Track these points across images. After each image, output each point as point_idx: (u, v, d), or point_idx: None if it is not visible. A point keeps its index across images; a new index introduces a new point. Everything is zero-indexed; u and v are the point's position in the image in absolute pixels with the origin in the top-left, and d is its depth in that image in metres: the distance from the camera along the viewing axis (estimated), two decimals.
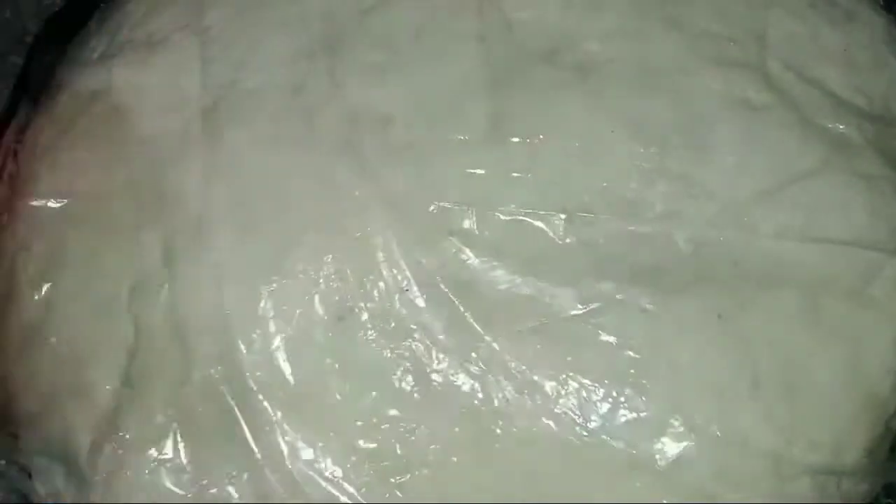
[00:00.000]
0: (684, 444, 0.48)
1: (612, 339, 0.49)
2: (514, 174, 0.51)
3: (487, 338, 0.49)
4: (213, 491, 0.51)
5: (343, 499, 0.49)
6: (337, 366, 0.50)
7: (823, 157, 0.52)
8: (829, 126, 0.53)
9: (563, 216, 0.50)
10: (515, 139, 0.51)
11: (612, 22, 0.54)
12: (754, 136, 0.52)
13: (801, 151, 0.52)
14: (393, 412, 0.49)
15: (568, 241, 0.50)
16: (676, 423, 0.48)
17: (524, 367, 0.49)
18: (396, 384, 0.50)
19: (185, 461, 0.51)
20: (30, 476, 0.56)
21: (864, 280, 0.50)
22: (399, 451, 0.49)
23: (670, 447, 0.48)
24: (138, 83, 0.56)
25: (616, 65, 0.53)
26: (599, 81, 0.52)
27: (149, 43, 0.57)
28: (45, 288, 0.53)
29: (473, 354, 0.49)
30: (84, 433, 0.52)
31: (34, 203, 0.54)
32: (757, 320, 0.49)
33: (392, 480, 0.49)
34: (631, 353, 0.49)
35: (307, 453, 0.50)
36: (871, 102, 0.54)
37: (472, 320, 0.49)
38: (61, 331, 0.53)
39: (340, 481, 0.49)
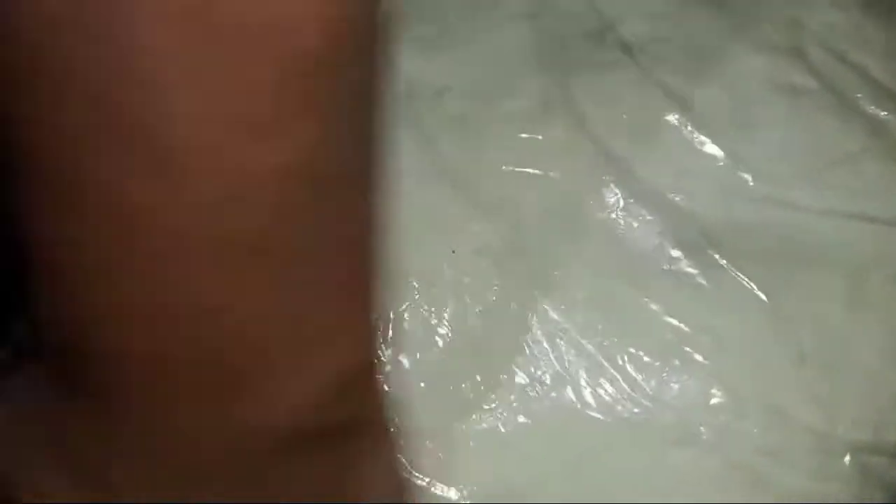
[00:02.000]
0: (730, 418, 0.49)
1: (660, 311, 0.49)
2: (562, 142, 0.52)
3: (537, 305, 0.50)
4: None
5: None
6: (391, 334, 0.50)
7: (864, 142, 0.53)
8: (870, 112, 0.54)
9: (612, 187, 0.50)
10: (564, 110, 0.52)
11: (658, 4, 0.55)
12: (797, 119, 0.53)
13: (843, 135, 0.53)
14: (441, 383, 0.50)
15: (617, 211, 0.51)
16: (722, 398, 0.49)
17: (573, 336, 0.49)
18: (443, 354, 0.50)
19: None
20: None
21: None
22: (445, 421, 0.49)
23: (716, 421, 0.49)
24: None
25: (662, 45, 0.54)
26: (646, 61, 0.54)
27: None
28: None
29: (523, 321, 0.50)
30: None
31: None
32: (801, 298, 0.50)
33: (438, 452, 0.50)
34: (678, 327, 0.49)
35: None
36: None
37: (523, 287, 0.50)
38: None
39: None
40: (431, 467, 0.50)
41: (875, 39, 0.56)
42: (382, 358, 0.50)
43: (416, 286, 0.50)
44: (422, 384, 0.50)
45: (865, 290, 0.50)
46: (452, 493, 0.50)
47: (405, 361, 0.50)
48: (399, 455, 0.44)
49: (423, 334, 0.50)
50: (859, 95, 0.54)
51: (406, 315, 0.50)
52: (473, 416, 0.49)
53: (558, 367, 0.49)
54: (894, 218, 0.51)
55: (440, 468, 0.50)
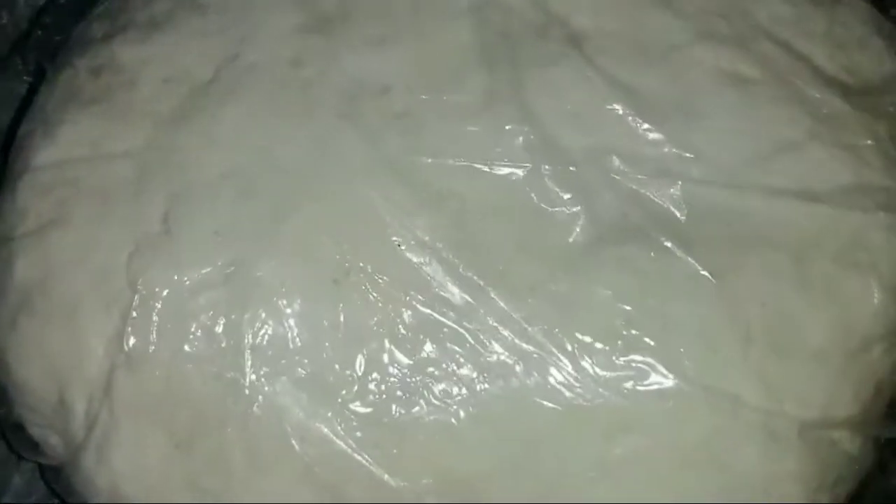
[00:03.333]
0: (678, 401, 0.49)
1: (607, 296, 0.49)
2: (508, 134, 0.52)
3: (483, 296, 0.50)
4: (205, 455, 0.51)
5: (336, 460, 0.50)
6: (332, 327, 0.50)
7: (810, 129, 0.53)
8: (815, 99, 0.54)
9: (557, 174, 0.51)
10: (509, 104, 0.52)
11: None
12: (744, 107, 0.53)
13: (789, 122, 0.53)
14: (388, 373, 0.50)
15: (563, 199, 0.51)
16: (671, 381, 0.49)
17: (520, 325, 0.49)
18: (391, 345, 0.50)
19: (180, 423, 0.51)
20: (23, 442, 0.56)
21: (851, 244, 0.51)
22: (395, 413, 0.49)
23: (664, 404, 0.49)
24: (141, 57, 0.57)
25: (607, 39, 0.55)
26: (591, 53, 0.54)
27: (151, 23, 0.59)
28: (42, 253, 0.54)
29: (469, 313, 0.50)
30: (78, 398, 0.52)
31: (35, 169, 0.55)
32: (749, 280, 0.50)
33: (388, 442, 0.50)
34: (626, 311, 0.49)
35: (301, 414, 0.50)
36: (854, 78, 0.56)
37: (468, 278, 0.50)
38: (57, 295, 0.53)
39: (334, 440, 0.49)
40: (383, 459, 0.49)
41: (819, 29, 0.57)
42: None
43: (363, 278, 0.50)
44: (367, 377, 0.50)
45: (811, 271, 0.50)
46: (403, 485, 0.49)
47: None
48: None
49: (369, 325, 0.50)
50: (804, 84, 0.54)
51: (350, 305, 0.50)
52: (422, 408, 0.49)
53: (506, 357, 0.49)
54: (838, 197, 0.51)
55: (391, 460, 0.50)
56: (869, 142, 0.53)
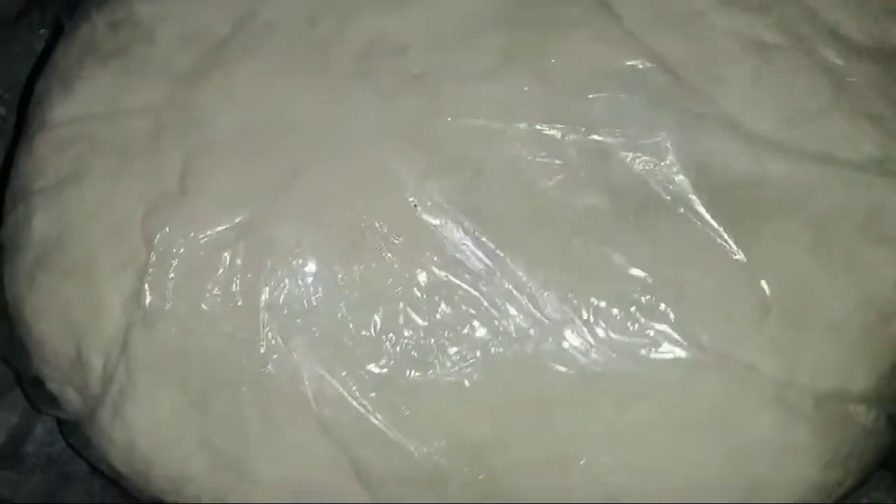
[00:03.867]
0: (691, 369, 0.48)
1: (623, 262, 0.49)
2: (526, 96, 0.51)
3: (499, 260, 0.50)
4: (220, 413, 0.51)
5: (349, 420, 0.50)
6: (347, 287, 0.50)
7: (833, 97, 0.52)
8: (839, 67, 0.53)
9: (575, 138, 0.50)
10: (529, 65, 0.52)
11: None
12: (767, 75, 0.52)
13: (812, 90, 0.52)
14: (403, 335, 0.50)
15: (581, 163, 0.50)
16: (684, 349, 0.48)
17: (535, 291, 0.49)
18: (406, 306, 0.50)
19: (195, 381, 0.51)
20: (42, 396, 0.56)
21: (871, 215, 0.51)
22: (409, 375, 0.50)
23: (677, 372, 0.48)
24: (159, 13, 0.56)
25: (629, 3, 0.54)
26: (613, 18, 0.53)
27: None
28: (60, 209, 0.54)
29: (485, 276, 0.50)
30: (95, 354, 0.53)
31: (53, 124, 0.55)
32: (767, 249, 0.49)
33: (401, 404, 0.50)
34: (641, 278, 0.49)
35: (315, 374, 0.50)
36: (881, 47, 0.54)
37: (483, 242, 0.50)
38: (74, 252, 0.53)
39: (348, 401, 0.50)
40: (396, 420, 0.50)
41: None
42: None
43: (378, 239, 0.50)
44: (382, 338, 0.50)
45: (831, 241, 0.50)
46: (416, 447, 0.50)
47: None
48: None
49: (384, 285, 0.50)
50: (828, 51, 0.53)
51: (366, 266, 0.50)
52: (436, 370, 0.49)
53: (520, 321, 0.49)
54: (861, 162, 0.51)
55: (404, 421, 0.50)
56: (892, 110, 0.52)
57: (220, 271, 0.51)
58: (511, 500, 0.51)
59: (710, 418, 0.49)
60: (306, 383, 0.50)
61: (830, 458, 0.50)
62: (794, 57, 0.53)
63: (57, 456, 0.63)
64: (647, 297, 0.49)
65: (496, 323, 0.49)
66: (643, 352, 0.49)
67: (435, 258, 0.50)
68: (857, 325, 0.50)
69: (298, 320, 0.51)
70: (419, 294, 0.50)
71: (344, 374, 0.50)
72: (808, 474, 0.50)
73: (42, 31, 0.68)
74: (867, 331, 0.50)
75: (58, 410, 0.56)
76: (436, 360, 0.49)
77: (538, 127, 0.51)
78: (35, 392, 0.57)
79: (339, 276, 0.50)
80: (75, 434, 0.56)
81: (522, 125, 0.51)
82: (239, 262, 0.51)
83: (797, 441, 0.49)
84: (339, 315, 0.50)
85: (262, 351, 0.51)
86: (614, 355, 0.49)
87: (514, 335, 0.49)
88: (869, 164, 0.51)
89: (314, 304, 0.50)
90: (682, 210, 0.50)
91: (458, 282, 0.50)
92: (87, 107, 0.55)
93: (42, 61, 0.61)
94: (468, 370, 0.49)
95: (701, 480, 0.50)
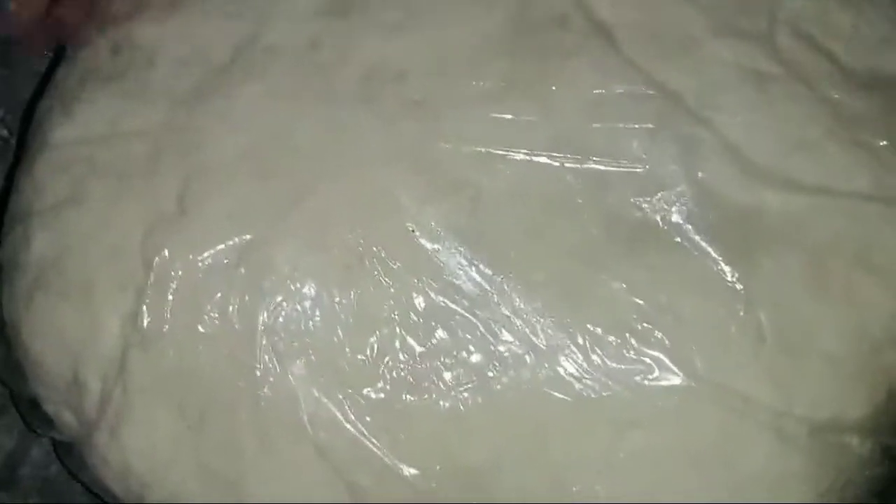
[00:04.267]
0: (687, 398, 0.49)
1: (620, 290, 0.49)
2: (526, 123, 0.52)
3: (496, 285, 0.50)
4: (216, 436, 0.51)
5: (345, 444, 0.50)
6: (344, 311, 0.50)
7: (829, 127, 0.52)
8: (835, 97, 0.53)
9: (574, 165, 0.51)
10: (529, 93, 0.52)
11: None
12: (762, 104, 0.53)
13: (808, 121, 0.52)
14: (399, 359, 0.50)
15: (580, 190, 0.51)
16: (680, 377, 0.49)
17: (532, 317, 0.49)
18: (403, 331, 0.50)
19: (191, 404, 0.51)
20: (37, 418, 0.56)
21: (867, 246, 0.51)
22: (405, 399, 0.50)
23: (673, 400, 0.49)
24: (160, 37, 0.57)
25: (628, 30, 0.54)
26: (611, 45, 0.53)
27: (171, 2, 0.58)
28: (59, 230, 0.54)
29: (482, 301, 0.50)
30: (92, 376, 0.53)
31: (53, 146, 0.55)
32: (763, 279, 0.49)
33: (397, 428, 0.50)
34: (638, 305, 0.49)
35: (312, 398, 0.50)
36: (877, 77, 0.55)
37: (480, 268, 0.50)
38: (73, 273, 0.53)
39: (344, 425, 0.50)
40: (392, 445, 0.50)
41: (844, 24, 0.56)
42: None
43: (376, 263, 0.51)
44: (379, 362, 0.50)
45: (826, 272, 0.50)
46: (411, 471, 0.50)
47: None
48: None
49: (381, 310, 0.50)
50: (824, 81, 0.54)
51: (363, 290, 0.50)
52: (432, 395, 0.50)
53: (516, 346, 0.50)
54: (855, 198, 0.51)
55: (400, 445, 0.50)
56: (886, 142, 0.52)
57: (219, 294, 0.51)
58: None
59: (706, 447, 0.49)
60: (303, 407, 0.50)
61: (826, 489, 0.50)
62: (791, 87, 0.53)
63: (52, 479, 0.63)
64: (644, 324, 0.49)
65: (492, 348, 0.50)
66: (639, 379, 0.49)
67: (432, 283, 0.50)
68: (852, 356, 0.50)
69: (296, 344, 0.51)
70: (416, 319, 0.50)
71: (340, 397, 0.50)
72: (804, 503, 0.50)
73: (45, 52, 0.68)
74: (862, 361, 0.50)
75: (53, 432, 0.56)
76: (432, 385, 0.50)
77: (537, 154, 0.51)
78: (31, 413, 0.57)
79: (337, 299, 0.51)
80: (70, 456, 0.56)
81: (521, 152, 0.51)
82: (237, 284, 0.51)
83: (793, 471, 0.49)
84: (336, 339, 0.50)
85: (259, 374, 0.51)
86: (610, 382, 0.49)
87: (510, 361, 0.49)
88: (863, 197, 0.51)
89: (311, 327, 0.51)
90: (678, 239, 0.50)
91: (454, 307, 0.50)
92: (87, 129, 0.55)
93: (44, 82, 0.61)
94: (464, 395, 0.50)
95: None
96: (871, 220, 0.51)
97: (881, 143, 0.53)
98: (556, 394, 0.49)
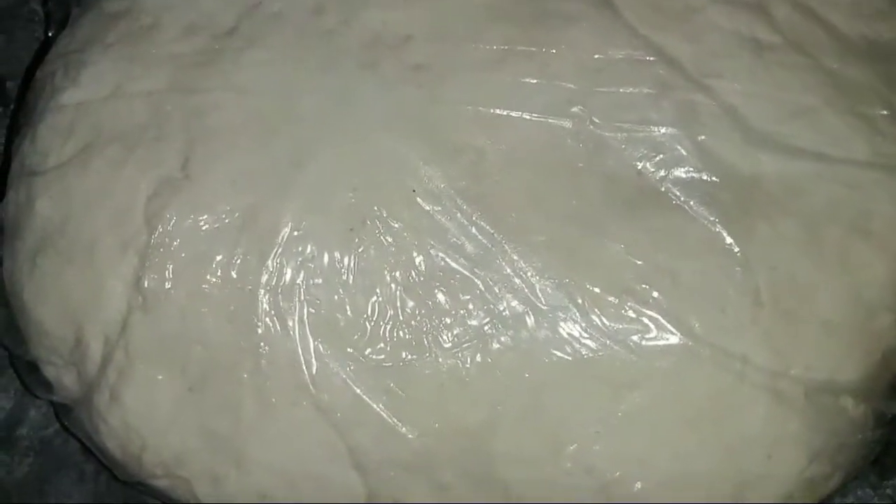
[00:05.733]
0: (684, 358, 0.49)
1: (619, 251, 0.50)
2: (527, 87, 0.52)
3: (497, 246, 0.50)
4: (217, 397, 0.52)
5: (345, 404, 0.50)
6: (345, 272, 0.51)
7: (826, 96, 0.53)
8: (833, 67, 0.54)
9: (574, 128, 0.51)
10: (529, 57, 0.53)
11: None
12: (762, 72, 0.53)
13: (805, 89, 0.53)
14: (400, 319, 0.50)
15: (580, 153, 0.51)
16: (677, 338, 0.49)
17: (532, 277, 0.50)
18: (404, 291, 0.51)
19: (193, 365, 0.52)
20: (36, 380, 0.56)
21: (862, 213, 0.52)
22: (405, 359, 0.50)
23: (670, 361, 0.49)
24: (164, 3, 0.57)
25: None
26: (611, 11, 0.54)
27: None
28: (63, 193, 0.54)
29: (482, 262, 0.50)
30: (95, 338, 0.53)
31: (57, 109, 0.55)
32: (760, 243, 0.50)
33: (397, 388, 0.50)
34: (636, 266, 0.50)
35: (312, 358, 0.51)
36: (874, 46, 0.55)
37: (482, 228, 0.50)
38: (76, 236, 0.54)
39: (345, 384, 0.50)
40: (392, 404, 0.50)
41: None
42: None
43: (378, 224, 0.51)
44: (380, 322, 0.50)
45: (823, 237, 0.51)
46: (411, 431, 0.50)
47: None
48: None
49: (382, 271, 0.51)
50: (822, 50, 0.54)
51: (365, 251, 0.51)
52: (432, 354, 0.50)
53: (516, 307, 0.50)
54: (851, 166, 0.51)
55: (400, 405, 0.50)
56: (884, 111, 0.53)
57: (221, 256, 0.52)
58: (504, 486, 0.51)
59: (703, 408, 0.50)
60: (304, 367, 0.50)
61: (820, 451, 0.51)
62: (789, 55, 0.54)
63: (50, 439, 0.63)
64: (642, 285, 0.50)
65: (492, 308, 0.50)
66: (636, 339, 0.49)
67: (433, 243, 0.51)
68: (847, 321, 0.50)
69: (297, 305, 0.51)
70: (417, 279, 0.50)
71: (342, 358, 0.50)
72: (798, 467, 0.51)
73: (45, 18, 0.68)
74: (857, 326, 0.51)
75: (52, 395, 0.56)
76: (432, 345, 0.50)
77: (537, 117, 0.52)
78: (29, 376, 0.57)
79: (338, 261, 0.51)
80: (70, 417, 0.56)
81: (522, 115, 0.52)
82: (240, 247, 0.52)
83: (788, 433, 0.50)
84: (338, 299, 0.51)
85: (260, 335, 0.51)
86: (608, 342, 0.49)
87: (509, 321, 0.50)
88: (859, 164, 0.52)
89: (313, 289, 0.51)
90: (677, 202, 0.51)
91: (455, 266, 0.50)
92: (92, 92, 0.55)
93: (45, 48, 0.61)
94: (464, 355, 0.50)
95: (693, 471, 0.50)
96: (868, 187, 0.52)
97: (879, 112, 0.53)
98: (554, 354, 0.49)
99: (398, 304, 0.50)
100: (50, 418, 0.63)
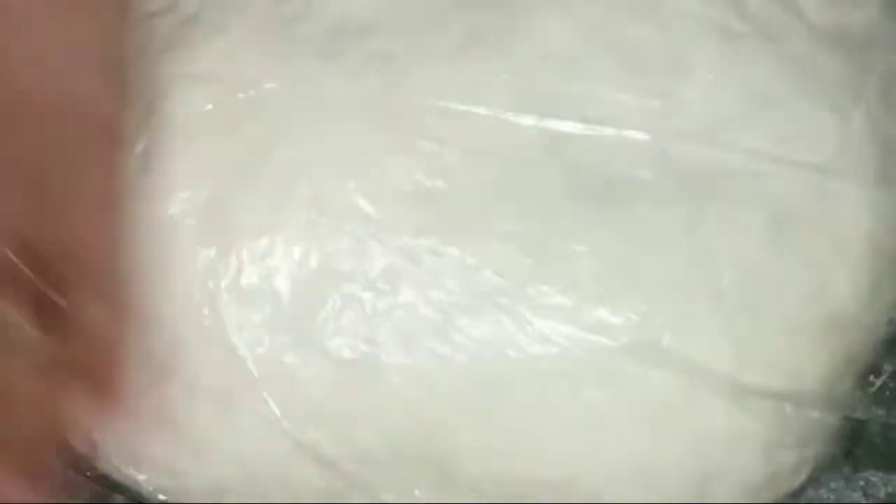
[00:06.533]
0: (645, 355, 0.49)
1: (578, 246, 0.49)
2: (489, 78, 0.51)
3: (456, 241, 0.50)
4: (179, 393, 0.52)
5: (306, 403, 0.50)
6: (304, 267, 0.50)
7: (797, 87, 0.52)
8: (804, 56, 0.53)
9: (536, 121, 0.50)
10: (492, 47, 0.52)
11: None
12: (730, 62, 0.52)
13: (775, 79, 0.52)
14: (359, 315, 0.50)
15: (542, 146, 0.51)
16: (638, 334, 0.49)
17: (491, 273, 0.49)
18: (363, 287, 0.50)
19: (155, 356, 0.52)
20: None
21: (830, 210, 0.51)
22: (363, 355, 0.50)
23: (631, 358, 0.49)
24: None
25: None
26: (580, 1, 0.53)
27: None
28: None
29: (442, 258, 0.50)
30: None
31: None
32: (725, 238, 0.49)
33: (359, 385, 0.50)
34: (597, 264, 0.49)
35: (272, 357, 0.51)
36: (847, 38, 0.54)
37: (442, 222, 0.50)
38: None
39: (301, 383, 0.50)
40: (354, 402, 0.50)
41: None
42: None
43: (337, 220, 0.50)
44: (338, 316, 0.50)
45: (787, 233, 0.50)
46: (369, 429, 0.50)
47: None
48: None
49: (341, 266, 0.50)
50: (793, 40, 0.53)
51: (324, 243, 0.50)
52: (390, 351, 0.50)
53: (475, 304, 0.49)
54: (821, 164, 0.51)
55: (357, 401, 0.50)
56: (854, 102, 0.52)
57: (180, 247, 0.51)
58: (466, 481, 0.51)
59: (665, 404, 0.49)
60: (259, 364, 0.50)
61: (783, 445, 0.50)
62: (759, 44, 0.53)
63: None
64: (603, 282, 0.49)
65: (451, 306, 0.50)
66: (597, 337, 0.49)
67: (393, 238, 0.50)
68: (810, 319, 0.50)
69: (255, 298, 0.51)
70: (376, 274, 0.50)
71: (299, 354, 0.50)
72: (761, 460, 0.50)
73: None
74: (820, 323, 0.50)
75: None
76: (390, 342, 0.50)
77: (500, 110, 0.51)
78: None
79: (297, 254, 0.51)
80: None
81: (484, 107, 0.51)
82: (199, 238, 0.51)
83: (750, 428, 0.49)
84: (295, 294, 0.50)
85: (219, 328, 0.51)
86: (568, 338, 0.49)
87: (467, 318, 0.49)
88: (829, 157, 0.51)
89: (271, 282, 0.51)
90: (640, 196, 0.50)
91: (415, 260, 0.50)
92: None
93: None
94: (422, 353, 0.50)
95: (654, 467, 0.50)
96: (836, 182, 0.51)
97: (848, 104, 0.52)
98: (513, 350, 0.49)
99: (356, 298, 0.50)
100: None
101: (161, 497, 0.53)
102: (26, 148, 0.46)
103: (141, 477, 0.53)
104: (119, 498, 0.58)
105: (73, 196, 0.47)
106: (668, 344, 0.49)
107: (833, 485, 0.60)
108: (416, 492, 0.51)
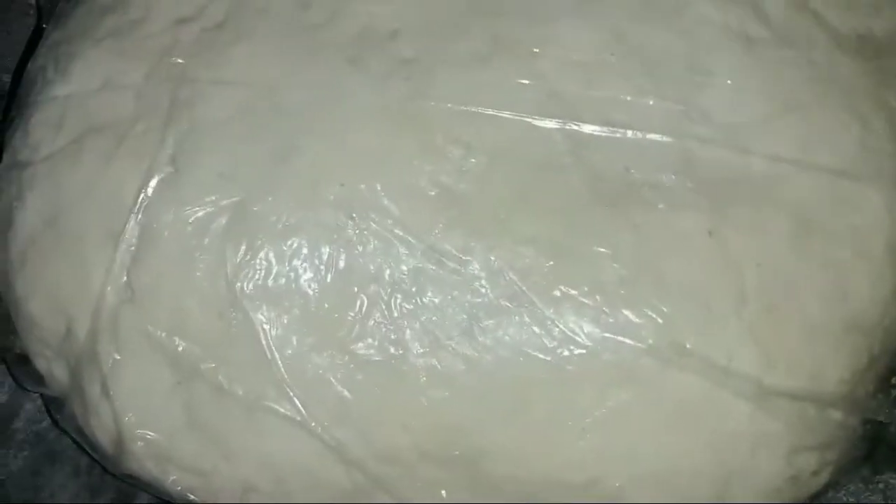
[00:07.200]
0: (670, 357, 0.49)
1: (603, 250, 0.50)
2: (513, 84, 0.52)
3: (482, 245, 0.50)
4: (206, 392, 0.52)
5: (331, 401, 0.51)
6: (331, 269, 0.51)
7: (818, 92, 0.53)
8: (824, 62, 0.53)
9: (560, 127, 0.51)
10: (516, 54, 0.52)
11: None
12: (751, 68, 0.53)
13: (796, 85, 0.53)
14: (385, 317, 0.50)
15: (566, 151, 0.51)
16: (663, 336, 0.49)
17: (516, 276, 0.50)
18: (389, 289, 0.51)
19: (182, 359, 0.52)
20: (27, 374, 0.57)
21: (851, 212, 0.51)
22: (390, 357, 0.50)
23: (656, 359, 0.49)
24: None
25: None
26: (600, 6, 0.53)
27: None
28: (53, 186, 0.54)
29: (468, 261, 0.50)
30: (85, 331, 0.53)
31: (48, 102, 0.55)
32: (747, 241, 0.50)
33: (381, 388, 0.50)
34: (621, 266, 0.50)
35: (299, 355, 0.51)
36: (864, 42, 0.55)
37: (468, 226, 0.50)
38: (67, 229, 0.54)
39: (330, 382, 0.50)
40: (377, 402, 0.50)
41: None
42: None
43: (364, 222, 0.51)
44: (365, 318, 0.50)
45: (810, 236, 0.50)
46: (395, 429, 0.50)
47: None
48: None
49: (367, 268, 0.51)
50: (813, 46, 0.54)
51: (351, 246, 0.51)
52: (417, 353, 0.50)
53: (501, 306, 0.50)
54: (842, 169, 0.51)
55: (384, 402, 0.50)
56: (875, 107, 0.53)
57: (210, 251, 0.52)
58: (491, 482, 0.51)
59: (688, 405, 0.50)
60: (290, 364, 0.51)
61: (805, 448, 0.51)
62: (779, 51, 0.53)
63: (45, 433, 0.64)
64: (627, 284, 0.49)
65: (477, 308, 0.50)
66: (621, 338, 0.49)
67: (420, 240, 0.51)
68: (833, 321, 0.50)
69: (283, 300, 0.51)
70: (402, 277, 0.50)
71: (325, 354, 0.51)
72: (783, 463, 0.51)
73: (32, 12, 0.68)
74: (843, 326, 0.51)
75: (43, 388, 0.57)
76: (416, 343, 0.50)
77: (524, 114, 0.52)
78: (20, 369, 0.57)
79: (324, 256, 0.51)
80: (61, 410, 0.57)
81: (509, 112, 0.52)
82: (228, 241, 0.52)
83: (772, 430, 0.50)
84: (323, 296, 0.51)
85: (248, 329, 0.51)
86: (594, 340, 0.49)
87: (494, 320, 0.50)
88: (849, 161, 0.51)
89: (299, 284, 0.51)
90: (663, 199, 0.50)
91: (440, 265, 0.50)
92: (82, 85, 0.56)
93: (34, 41, 0.61)
94: (448, 354, 0.50)
95: (677, 467, 0.50)
96: (857, 185, 0.51)
97: (869, 109, 0.53)
98: (539, 351, 0.49)
99: (383, 299, 0.50)
100: (45, 412, 0.63)
101: (191, 497, 0.53)
102: None
103: (171, 477, 0.53)
104: (144, 497, 0.58)
105: None
106: (691, 346, 0.49)
107: (853, 487, 0.61)
108: (443, 492, 0.51)
